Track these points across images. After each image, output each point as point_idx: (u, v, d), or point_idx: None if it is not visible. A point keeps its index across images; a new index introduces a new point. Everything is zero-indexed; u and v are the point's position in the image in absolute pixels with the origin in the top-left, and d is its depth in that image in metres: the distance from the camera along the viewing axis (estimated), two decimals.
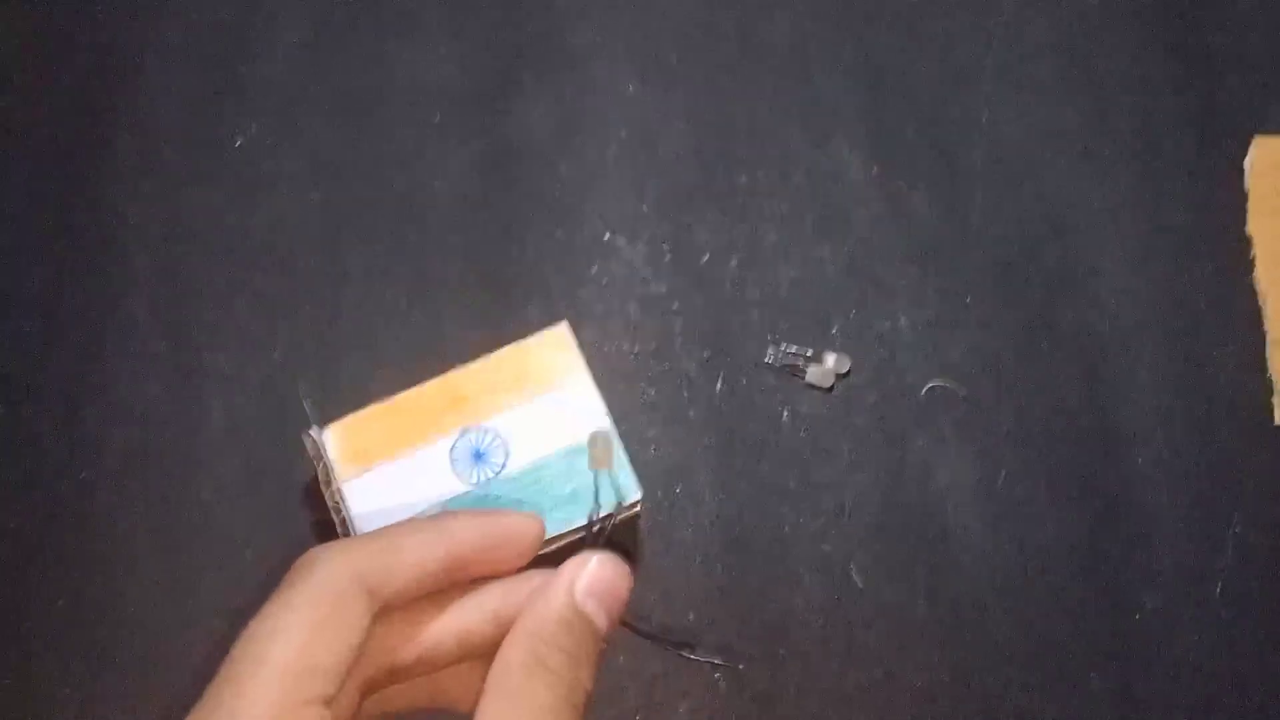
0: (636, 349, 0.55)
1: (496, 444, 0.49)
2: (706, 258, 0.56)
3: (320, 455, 0.49)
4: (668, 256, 0.56)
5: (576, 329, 0.54)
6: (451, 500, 0.48)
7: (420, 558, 0.35)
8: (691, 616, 0.50)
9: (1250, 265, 0.56)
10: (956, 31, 0.60)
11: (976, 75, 0.59)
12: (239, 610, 0.51)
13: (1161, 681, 0.50)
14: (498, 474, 0.48)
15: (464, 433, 0.49)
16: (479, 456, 0.49)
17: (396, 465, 0.49)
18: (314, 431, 0.49)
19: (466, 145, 0.58)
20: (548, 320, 0.53)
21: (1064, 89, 0.59)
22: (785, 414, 0.53)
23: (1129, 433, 0.53)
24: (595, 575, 0.36)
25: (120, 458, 0.53)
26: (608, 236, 0.57)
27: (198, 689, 0.44)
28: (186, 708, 0.44)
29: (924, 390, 0.54)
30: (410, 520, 0.37)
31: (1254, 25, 0.60)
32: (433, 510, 0.48)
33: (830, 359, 0.54)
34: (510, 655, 0.35)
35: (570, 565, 0.37)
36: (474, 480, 0.48)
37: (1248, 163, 0.57)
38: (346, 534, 0.48)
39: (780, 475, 0.52)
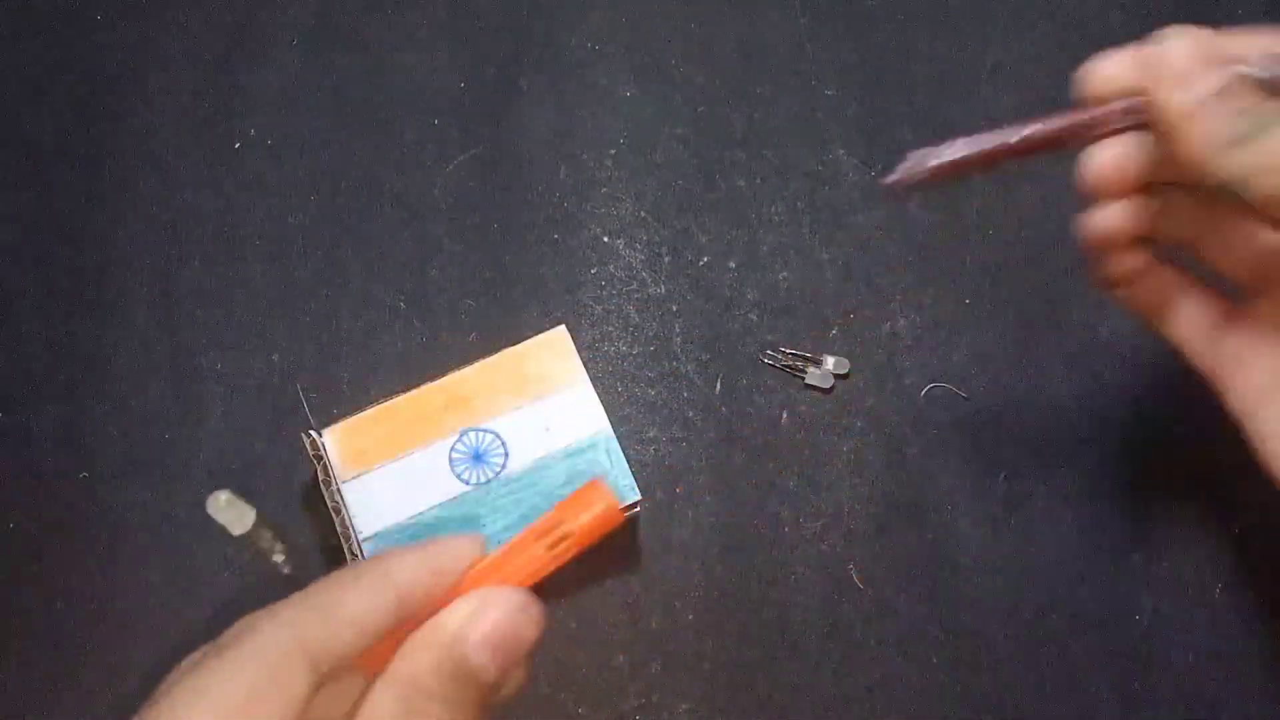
0: (636, 350, 0.55)
1: (496, 445, 0.49)
2: (705, 260, 0.56)
3: (320, 455, 0.49)
4: (666, 259, 0.56)
5: (576, 331, 0.54)
6: (450, 502, 0.48)
7: (366, 618, 0.30)
8: (691, 617, 0.50)
9: None
10: (954, 35, 0.60)
11: (974, 79, 0.59)
12: (239, 611, 0.51)
13: (1161, 681, 0.50)
14: (497, 475, 0.49)
15: (463, 434, 0.49)
16: (478, 458, 0.49)
17: (397, 466, 0.49)
18: (314, 432, 0.49)
19: (465, 149, 0.58)
20: (547, 322, 0.53)
21: (1062, 93, 0.59)
22: (785, 415, 0.53)
23: (1128, 433, 0.53)
24: (495, 623, 0.31)
25: (120, 458, 0.53)
26: (606, 239, 0.57)
27: None
28: None
29: (924, 392, 0.54)
30: (351, 570, 0.32)
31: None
32: (432, 512, 0.48)
33: (829, 361, 0.54)
34: (380, 700, 0.31)
35: (461, 606, 0.31)
36: (473, 481, 0.48)
37: None
38: (346, 534, 0.48)
39: (780, 475, 0.52)
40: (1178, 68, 0.35)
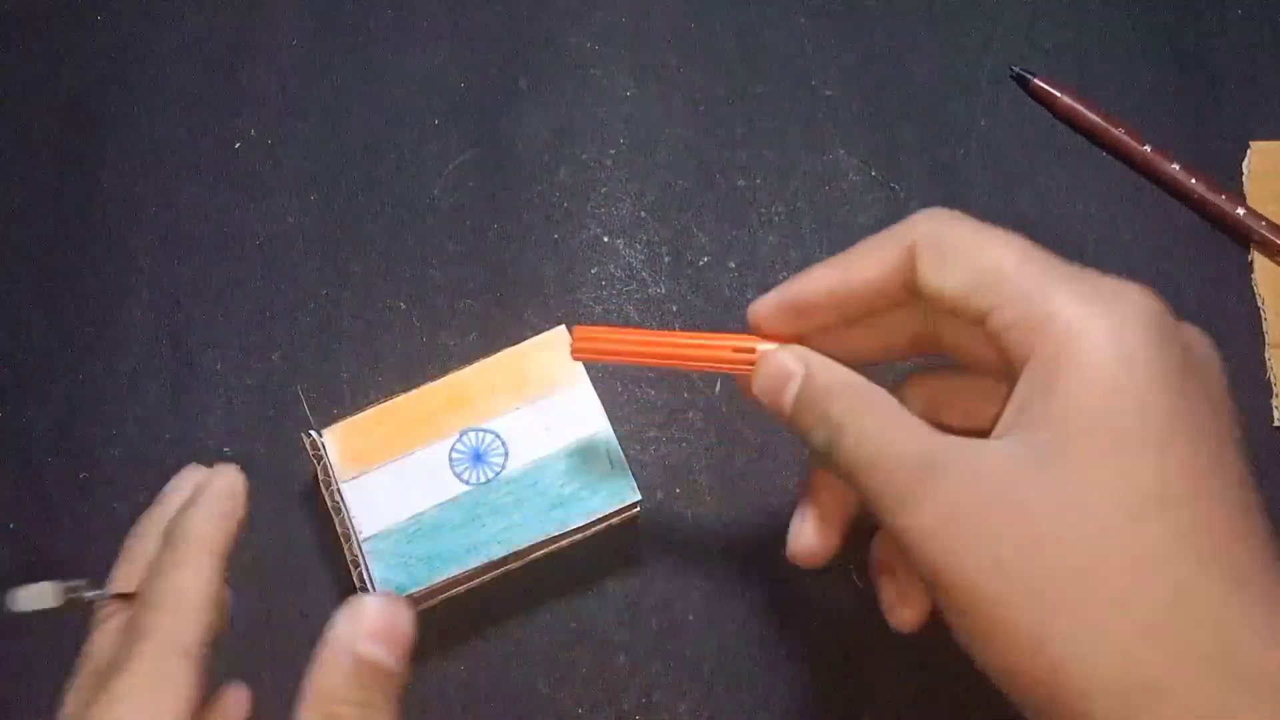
0: None
1: (496, 445, 0.49)
2: (705, 260, 0.56)
3: (320, 455, 0.49)
4: (666, 259, 0.56)
5: None
6: (450, 502, 0.48)
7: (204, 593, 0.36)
8: (691, 617, 0.50)
9: (1249, 268, 0.56)
10: (954, 35, 0.60)
11: (974, 79, 0.59)
12: (238, 611, 0.51)
13: None
14: (497, 475, 0.49)
15: (463, 434, 0.49)
16: (478, 457, 0.49)
17: (397, 465, 0.49)
18: (313, 432, 0.49)
19: (465, 148, 0.58)
20: (547, 323, 0.53)
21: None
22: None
23: None
24: (372, 619, 0.35)
25: (120, 458, 0.53)
26: (606, 239, 0.57)
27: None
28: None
29: None
30: (168, 557, 0.37)
31: (1250, 33, 0.60)
32: (431, 512, 0.48)
33: None
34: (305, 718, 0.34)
35: (341, 617, 0.35)
36: (473, 481, 0.48)
37: (1245, 167, 0.57)
38: (346, 535, 0.48)
39: (780, 475, 0.52)
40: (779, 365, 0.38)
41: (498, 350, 0.50)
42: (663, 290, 0.56)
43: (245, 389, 0.54)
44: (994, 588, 0.30)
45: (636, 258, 0.56)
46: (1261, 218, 0.55)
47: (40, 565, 0.52)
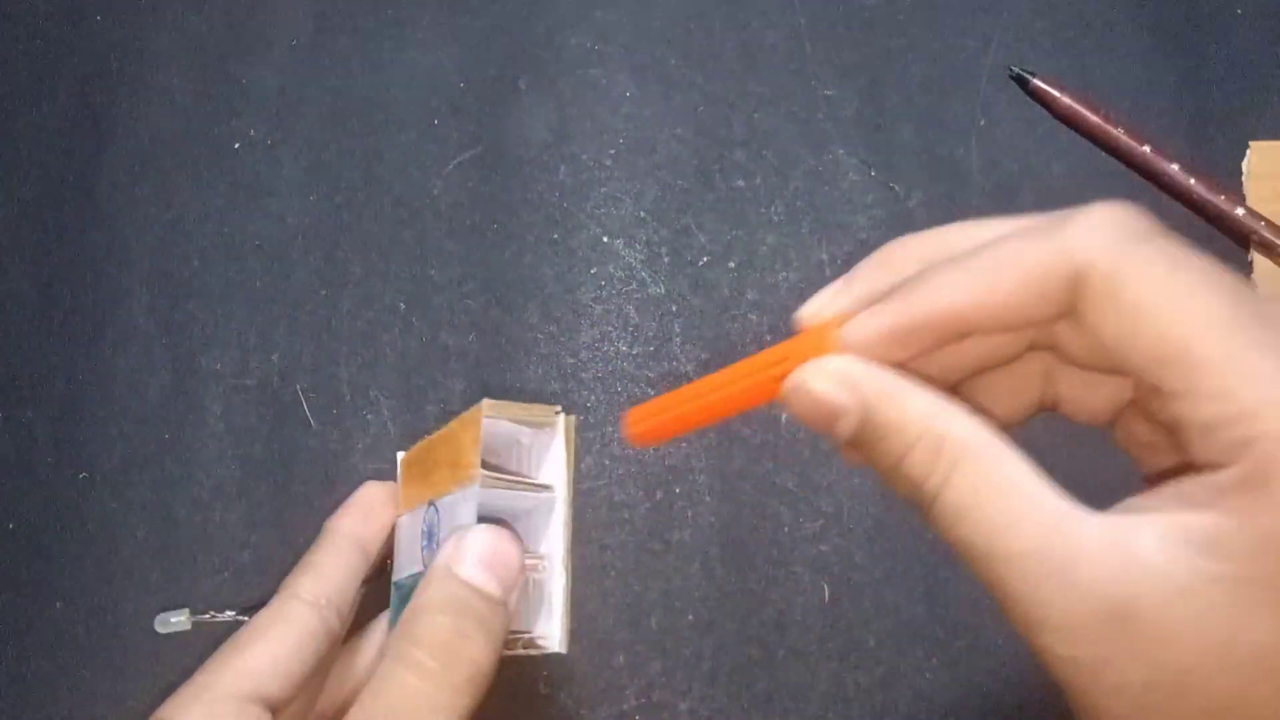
0: (636, 350, 0.55)
1: (437, 530, 0.40)
2: (705, 260, 0.56)
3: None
4: (666, 259, 0.56)
5: (575, 330, 0.54)
6: (413, 576, 0.40)
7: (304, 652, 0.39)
8: (691, 617, 0.50)
9: (1249, 268, 0.56)
10: (954, 35, 0.60)
11: (974, 78, 0.59)
12: (238, 610, 0.51)
13: None
14: (421, 570, 0.40)
15: (431, 504, 0.41)
16: (430, 537, 0.41)
17: (410, 517, 0.43)
18: (399, 453, 0.46)
19: (464, 148, 0.58)
20: (547, 321, 0.53)
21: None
22: (785, 415, 0.53)
23: None
24: (480, 546, 0.35)
25: (120, 458, 0.53)
26: (606, 239, 0.57)
27: None
28: None
29: None
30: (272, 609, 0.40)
31: (1250, 32, 0.60)
32: (405, 582, 0.41)
33: None
34: (385, 647, 0.35)
35: (448, 545, 0.36)
36: (423, 562, 0.40)
37: (1245, 167, 0.57)
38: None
39: (779, 476, 0.52)
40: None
41: (503, 354, 0.49)
42: (662, 290, 0.56)
43: (245, 389, 0.54)
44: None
45: (636, 258, 0.56)
46: (1261, 218, 0.55)
47: (39, 565, 0.52)
